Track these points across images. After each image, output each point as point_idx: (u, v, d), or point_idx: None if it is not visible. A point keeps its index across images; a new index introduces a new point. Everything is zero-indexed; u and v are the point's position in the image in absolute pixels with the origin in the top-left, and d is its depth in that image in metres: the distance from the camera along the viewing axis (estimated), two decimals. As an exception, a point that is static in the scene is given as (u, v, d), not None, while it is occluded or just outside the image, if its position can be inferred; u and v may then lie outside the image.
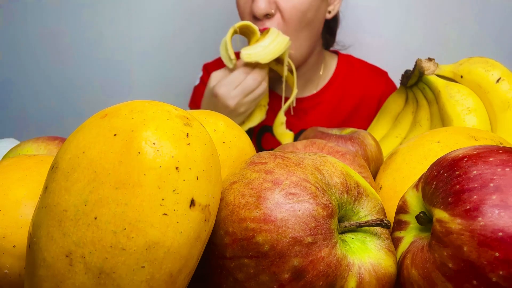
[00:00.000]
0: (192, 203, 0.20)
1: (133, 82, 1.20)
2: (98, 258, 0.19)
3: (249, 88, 0.68)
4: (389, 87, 0.90)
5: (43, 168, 0.29)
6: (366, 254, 0.24)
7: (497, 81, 0.48)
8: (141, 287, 0.19)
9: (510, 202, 0.19)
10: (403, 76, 0.58)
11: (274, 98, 0.90)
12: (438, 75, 0.53)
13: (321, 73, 0.91)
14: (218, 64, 0.96)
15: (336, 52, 0.95)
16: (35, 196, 0.27)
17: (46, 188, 0.21)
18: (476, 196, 0.20)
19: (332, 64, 0.92)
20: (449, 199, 0.21)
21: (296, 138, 0.89)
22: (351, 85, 0.90)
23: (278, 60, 0.72)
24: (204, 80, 0.96)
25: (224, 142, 0.31)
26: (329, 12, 0.85)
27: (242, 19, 0.80)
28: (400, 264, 0.24)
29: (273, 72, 0.81)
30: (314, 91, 0.90)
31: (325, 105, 0.90)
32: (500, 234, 0.19)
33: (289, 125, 0.90)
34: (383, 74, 0.92)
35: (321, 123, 0.89)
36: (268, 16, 0.74)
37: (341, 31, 1.03)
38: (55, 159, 0.21)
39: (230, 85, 0.68)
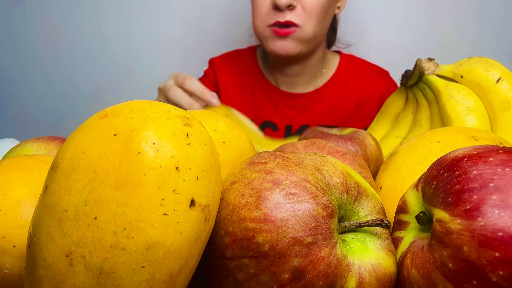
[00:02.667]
0: (192, 203, 0.20)
1: (133, 82, 1.20)
2: (98, 258, 0.19)
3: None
4: (391, 87, 0.90)
5: (43, 168, 0.29)
6: (366, 254, 0.24)
7: (497, 81, 0.48)
8: (141, 287, 0.19)
9: (510, 202, 0.19)
10: (403, 76, 0.58)
11: (277, 93, 0.91)
12: (438, 75, 0.53)
13: (324, 71, 0.91)
14: (224, 59, 0.97)
15: (338, 52, 0.96)
16: (35, 196, 0.27)
17: (46, 188, 0.21)
18: (476, 196, 0.20)
19: (334, 62, 0.93)
20: (449, 199, 0.21)
21: (298, 133, 0.90)
22: (352, 84, 0.91)
23: None
24: (208, 73, 0.96)
25: (224, 142, 0.31)
26: (338, 7, 0.87)
27: (258, 10, 0.79)
28: (400, 264, 0.24)
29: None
30: (316, 88, 0.91)
31: (326, 102, 0.90)
32: (500, 234, 0.19)
33: (290, 120, 0.91)
34: (385, 73, 0.93)
35: (322, 119, 0.90)
36: (290, 7, 0.75)
37: (344, 30, 1.03)
38: (55, 159, 0.21)
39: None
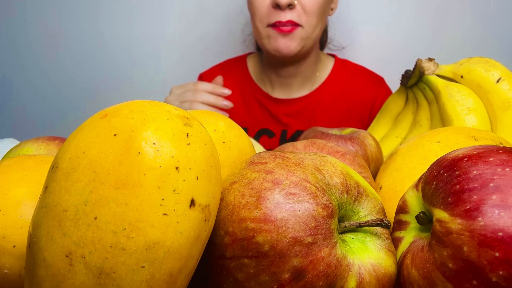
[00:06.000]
0: (192, 203, 0.20)
1: (133, 82, 1.20)
2: (98, 258, 0.19)
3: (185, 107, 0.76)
4: (384, 93, 0.90)
5: (43, 168, 0.29)
6: (366, 254, 0.24)
7: (497, 81, 0.48)
8: (141, 287, 0.19)
9: (510, 202, 0.19)
10: (403, 76, 0.58)
11: (270, 100, 0.91)
12: (438, 75, 0.53)
13: (318, 74, 0.92)
14: (213, 73, 0.97)
15: (333, 56, 0.96)
16: (35, 196, 0.27)
17: (46, 188, 0.21)
18: (476, 196, 0.20)
19: (328, 66, 0.93)
20: (449, 199, 0.21)
21: (293, 139, 0.90)
22: (345, 88, 0.91)
23: None
24: None
25: (224, 142, 0.31)
26: (332, 9, 0.88)
27: (257, 10, 0.80)
28: (400, 264, 0.24)
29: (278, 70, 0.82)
30: (309, 91, 0.91)
31: (319, 106, 0.90)
32: (500, 234, 0.19)
33: (285, 126, 0.91)
34: (379, 79, 0.93)
35: (316, 123, 0.90)
36: (290, 6, 0.76)
37: (338, 31, 1.03)
38: (55, 159, 0.21)
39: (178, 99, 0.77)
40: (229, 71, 0.96)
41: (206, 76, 0.97)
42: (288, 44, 0.78)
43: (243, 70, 0.95)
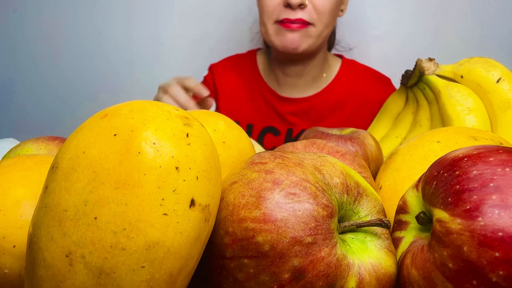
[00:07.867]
0: (192, 203, 0.20)
1: (133, 83, 1.20)
2: (98, 258, 0.19)
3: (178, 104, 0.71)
4: (391, 93, 0.90)
5: (43, 168, 0.29)
6: (366, 254, 0.24)
7: (498, 81, 0.48)
8: (141, 287, 0.19)
9: (510, 202, 0.19)
10: (403, 76, 0.58)
11: (277, 98, 0.91)
12: (438, 75, 0.53)
13: (324, 74, 0.91)
14: (223, 65, 0.97)
15: (340, 57, 0.96)
16: (35, 196, 0.27)
17: (46, 188, 0.21)
18: (476, 196, 0.20)
19: (335, 66, 0.93)
20: (449, 199, 0.21)
21: (297, 138, 0.90)
22: (352, 89, 0.91)
23: None
24: (207, 79, 0.97)
25: (224, 142, 0.31)
26: (341, 10, 0.88)
27: (266, 6, 0.79)
28: (400, 264, 0.24)
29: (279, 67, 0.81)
30: (316, 91, 0.91)
31: (326, 106, 0.90)
32: (500, 234, 0.19)
33: (290, 124, 0.91)
34: (386, 80, 0.93)
35: (322, 123, 0.90)
36: (301, 6, 0.76)
37: (345, 32, 1.03)
38: (55, 159, 0.21)
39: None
40: (239, 65, 0.96)
41: (216, 68, 0.97)
42: (295, 40, 0.78)
43: (253, 65, 0.95)
